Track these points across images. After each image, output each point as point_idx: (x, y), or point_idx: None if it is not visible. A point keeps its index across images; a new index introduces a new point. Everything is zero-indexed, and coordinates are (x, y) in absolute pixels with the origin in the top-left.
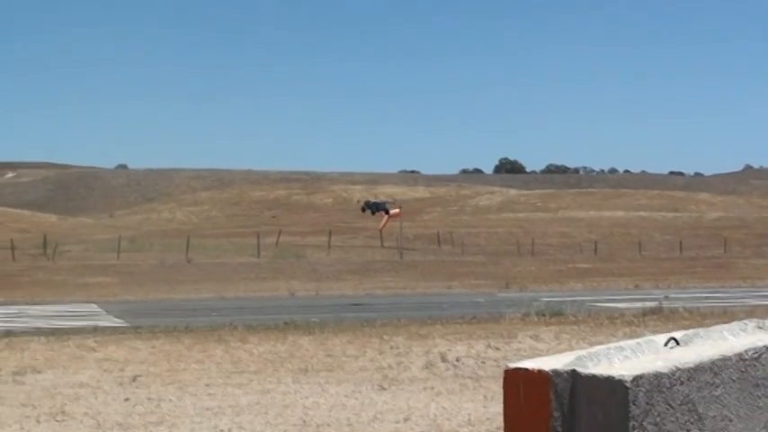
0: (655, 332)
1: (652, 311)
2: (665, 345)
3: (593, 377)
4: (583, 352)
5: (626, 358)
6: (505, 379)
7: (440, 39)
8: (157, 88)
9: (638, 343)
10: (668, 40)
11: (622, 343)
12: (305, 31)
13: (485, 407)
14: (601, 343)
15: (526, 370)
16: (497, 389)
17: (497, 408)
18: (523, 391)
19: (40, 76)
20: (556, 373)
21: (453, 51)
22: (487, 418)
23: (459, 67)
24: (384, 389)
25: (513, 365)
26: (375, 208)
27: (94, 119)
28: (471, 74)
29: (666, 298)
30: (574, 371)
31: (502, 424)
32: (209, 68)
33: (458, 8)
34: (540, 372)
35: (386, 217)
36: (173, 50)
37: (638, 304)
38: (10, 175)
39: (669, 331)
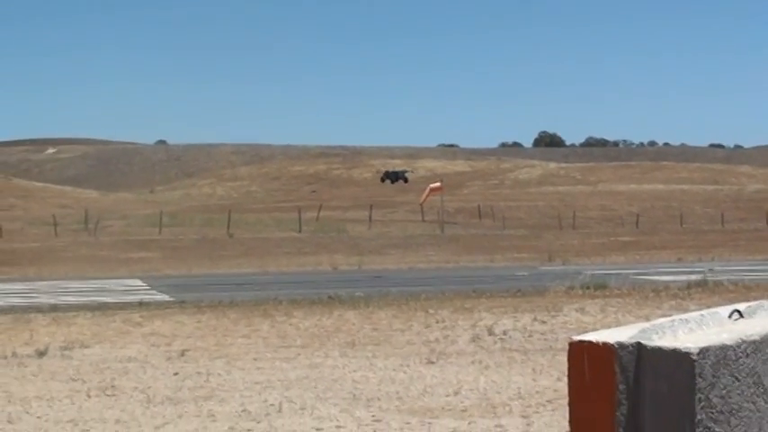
0: (700, 305)
1: (697, 284)
2: (729, 317)
3: (659, 350)
4: (647, 324)
5: (690, 331)
6: (570, 352)
7: (478, 13)
8: (196, 65)
9: (701, 315)
10: (709, 13)
11: (686, 315)
12: (344, 7)
13: (534, 380)
14: (647, 316)
15: (591, 342)
16: (545, 362)
17: (547, 381)
18: (588, 364)
19: (81, 53)
20: (621, 345)
21: (491, 25)
22: (537, 392)
23: (497, 40)
24: (432, 362)
25: (577, 338)
26: (395, 177)
27: (134, 95)
28: (510, 47)
29: (711, 271)
30: (639, 343)
31: (551, 397)
32: (248, 47)
33: None
34: (605, 344)
35: (427, 190)
36: (212, 29)
37: (683, 277)
38: (51, 151)
39: (715, 305)
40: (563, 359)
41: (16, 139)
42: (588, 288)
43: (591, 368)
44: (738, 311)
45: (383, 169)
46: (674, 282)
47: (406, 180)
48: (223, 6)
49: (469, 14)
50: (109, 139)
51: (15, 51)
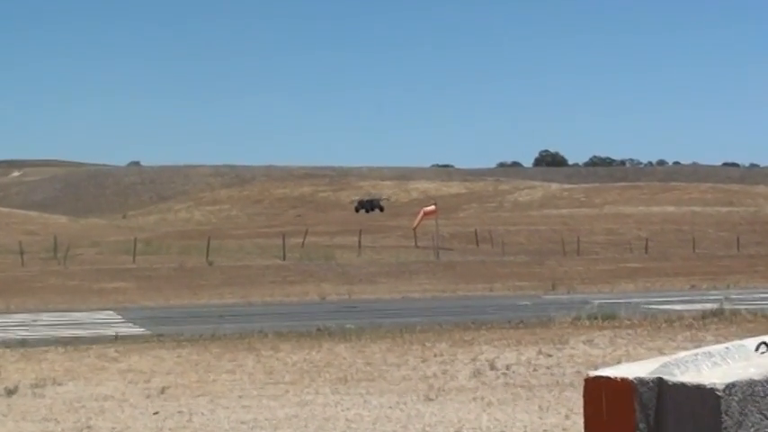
0: (717, 336)
1: (712, 313)
2: (756, 350)
3: (682, 386)
4: (668, 358)
5: (715, 365)
6: (586, 388)
7: (474, 27)
8: (171, 83)
9: (726, 348)
10: (721, 24)
11: (710, 348)
12: (328, 20)
13: (540, 418)
14: (660, 348)
15: (608, 378)
16: (552, 398)
17: (554, 419)
18: (606, 401)
19: (47, 70)
20: (641, 381)
21: (488, 40)
22: (544, 431)
23: (494, 55)
24: (431, 399)
25: (593, 373)
26: (369, 206)
27: (105, 114)
28: (509, 61)
29: (727, 299)
30: (660, 379)
31: None
32: (225, 61)
33: None
34: (623, 380)
35: (420, 214)
36: (186, 45)
37: (697, 306)
38: (16, 174)
39: (732, 336)
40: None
41: None
42: (596, 318)
43: (609, 406)
44: (766, 344)
45: (356, 198)
46: (688, 311)
47: (381, 209)
48: (199, 21)
49: (465, 28)
50: (79, 161)
51: None
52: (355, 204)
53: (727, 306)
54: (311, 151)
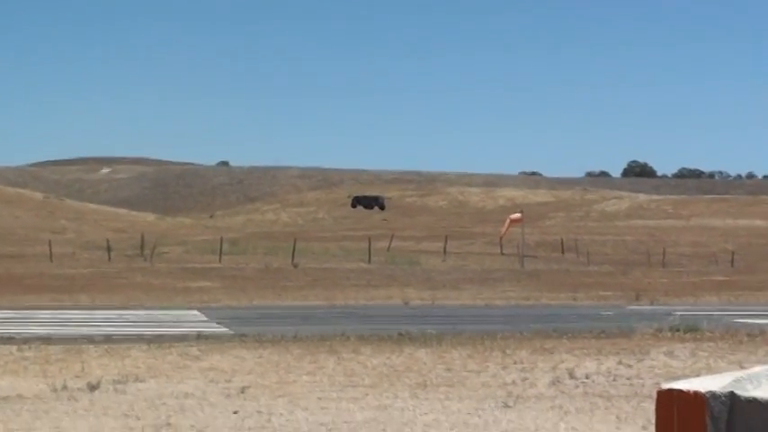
0: None
1: None
2: None
3: (754, 401)
4: (741, 373)
5: None
6: (658, 400)
7: (565, 32)
8: (261, 83)
9: None
10: None
11: None
12: (419, 26)
13: (618, 428)
14: (740, 362)
15: (681, 391)
16: (630, 409)
17: (631, 429)
18: (678, 414)
19: (137, 69)
20: (713, 395)
21: (578, 45)
22: None
23: (584, 61)
24: (509, 407)
25: (666, 386)
26: (366, 203)
27: (194, 113)
28: (599, 69)
29: None
30: (732, 393)
31: None
32: (318, 63)
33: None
34: (695, 393)
35: (507, 222)
36: (277, 43)
37: None
38: (105, 171)
39: None
40: (649, 406)
41: (69, 158)
42: (678, 330)
43: (680, 418)
44: None
45: (352, 194)
46: None
47: (382, 207)
48: (288, 21)
49: (555, 35)
50: (167, 160)
51: (68, 67)
52: (351, 200)
53: None
54: (400, 156)
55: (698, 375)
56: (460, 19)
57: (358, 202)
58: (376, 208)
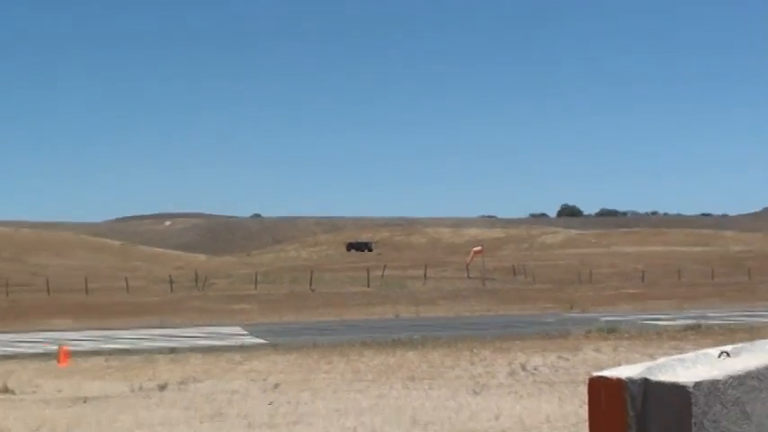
0: (695, 346)
1: (691, 328)
2: (719, 357)
3: (662, 384)
4: (651, 363)
5: (687, 368)
6: (590, 385)
7: (501, 106)
8: (285, 150)
9: (695, 355)
10: (698, 106)
11: (683, 355)
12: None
13: (560, 407)
14: (651, 355)
15: (606, 378)
16: (569, 392)
17: (570, 407)
18: (605, 396)
19: (191, 141)
20: (631, 380)
21: (518, 114)
22: (562, 416)
23: (523, 130)
24: (477, 393)
25: (595, 374)
26: (358, 247)
27: (234, 176)
28: (536, 135)
29: (703, 317)
30: (645, 379)
31: (575, 420)
32: (339, 129)
33: (520, 56)
34: (618, 379)
35: (471, 253)
36: (291, 114)
37: (680, 322)
38: (167, 223)
39: (706, 345)
40: (583, 390)
41: (141, 214)
42: (603, 332)
43: (607, 399)
44: (726, 352)
45: (347, 241)
46: (673, 326)
47: (371, 249)
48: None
49: (489, 106)
50: (214, 213)
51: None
52: (347, 245)
53: (703, 322)
54: (387, 204)
55: (619, 365)
56: (412, 98)
57: (351, 246)
58: (366, 250)
